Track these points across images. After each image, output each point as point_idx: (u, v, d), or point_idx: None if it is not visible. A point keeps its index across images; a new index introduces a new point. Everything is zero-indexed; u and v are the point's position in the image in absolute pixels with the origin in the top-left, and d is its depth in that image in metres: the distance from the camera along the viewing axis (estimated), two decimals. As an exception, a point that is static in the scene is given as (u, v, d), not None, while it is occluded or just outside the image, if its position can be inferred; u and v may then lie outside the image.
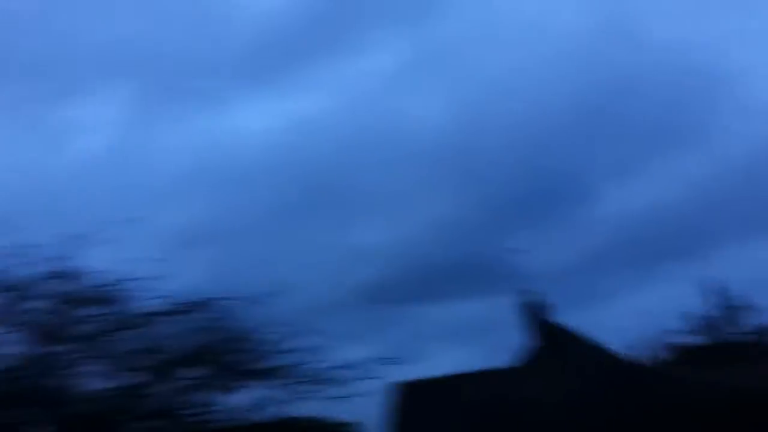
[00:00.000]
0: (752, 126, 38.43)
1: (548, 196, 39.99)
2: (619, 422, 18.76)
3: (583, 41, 40.56)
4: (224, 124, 40.89)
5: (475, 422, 22.99)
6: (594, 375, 20.91)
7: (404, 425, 24.49)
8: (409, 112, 41.67)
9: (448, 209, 40.79)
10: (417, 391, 25.13)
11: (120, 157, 36.15)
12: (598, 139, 42.40)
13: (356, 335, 18.35)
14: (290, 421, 17.79)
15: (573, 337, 24.10)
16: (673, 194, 37.73)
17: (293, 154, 38.53)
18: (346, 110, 42.22)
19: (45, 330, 14.39)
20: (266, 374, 14.86)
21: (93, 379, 14.84)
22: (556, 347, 23.80)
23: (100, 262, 14.05)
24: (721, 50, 41.34)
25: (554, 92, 40.06)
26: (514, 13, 42.94)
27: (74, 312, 14.42)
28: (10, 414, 14.28)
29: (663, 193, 38.59)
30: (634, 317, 27.69)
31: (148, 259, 13.57)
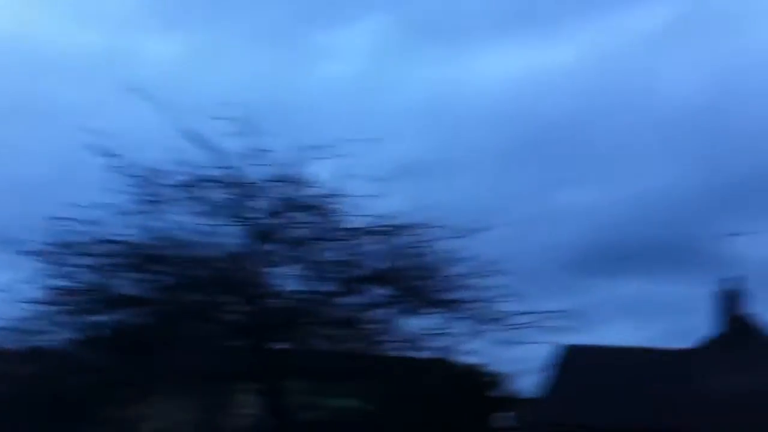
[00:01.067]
0: None
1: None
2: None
3: None
4: (467, 67, 41.40)
5: (631, 397, 22.96)
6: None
7: (562, 387, 24.78)
8: (660, 78, 40.50)
9: (677, 182, 39.81)
10: (582, 356, 25.29)
11: (364, 85, 37.61)
12: None
13: (543, 292, 18.48)
14: (452, 364, 18.45)
15: (761, 331, 23.41)
16: None
17: (527, 105, 38.60)
18: (593, 68, 41.54)
19: (259, 228, 15.50)
20: (447, 305, 15.41)
21: (288, 281, 15.93)
22: (741, 339, 23.22)
23: (323, 174, 14.98)
24: None
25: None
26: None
27: (289, 216, 15.45)
28: (205, 296, 15.61)
29: None
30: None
31: (366, 179, 14.30)
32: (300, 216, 15.45)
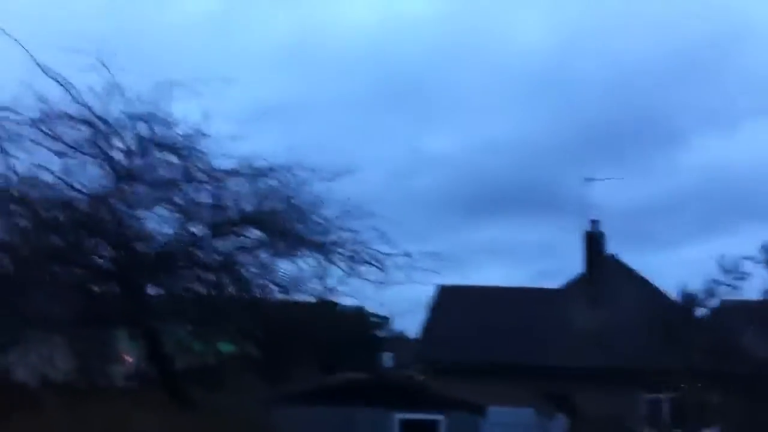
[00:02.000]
0: None
1: (635, 135, 39.81)
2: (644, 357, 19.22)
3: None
4: (330, 11, 40.98)
5: (500, 334, 23.69)
6: (633, 308, 21.33)
7: (435, 324, 25.34)
8: (516, 30, 41.15)
9: (531, 129, 40.92)
10: (455, 296, 25.88)
11: (224, 24, 36.54)
12: (701, 86, 41.69)
13: (415, 236, 18.75)
14: (331, 305, 18.50)
15: (623, 271, 24.52)
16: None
17: (388, 52, 38.70)
18: (452, 15, 41.80)
19: (121, 168, 15.00)
20: (321, 247, 15.41)
21: (158, 223, 15.55)
22: (604, 277, 24.25)
23: (186, 113, 14.54)
24: None
25: (669, 33, 39.18)
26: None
27: (153, 156, 14.99)
28: (68, 240, 15.06)
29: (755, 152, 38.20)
30: (692, 267, 28.21)
31: (229, 120, 14.02)
32: (164, 156, 14.98)
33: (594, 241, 25.04)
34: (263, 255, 15.56)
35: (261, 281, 15.56)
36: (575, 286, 24.84)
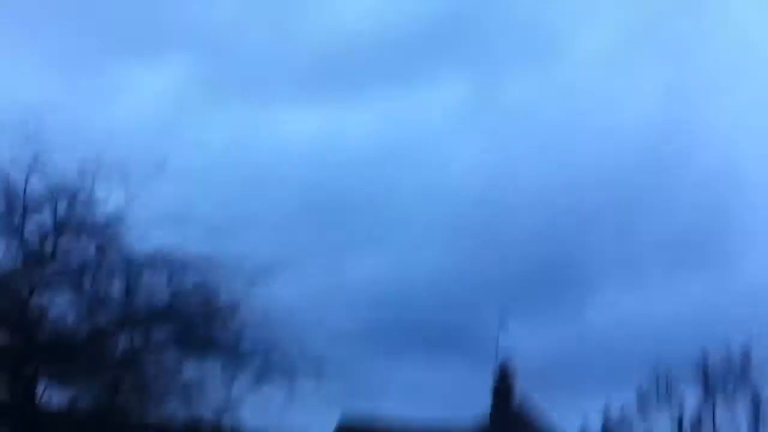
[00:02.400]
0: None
1: (553, 278, 40.32)
2: None
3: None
4: (267, 124, 41.22)
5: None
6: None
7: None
8: (455, 158, 42.03)
9: (453, 264, 41.07)
10: (357, 430, 25.14)
11: (159, 125, 36.45)
12: (612, 236, 42.91)
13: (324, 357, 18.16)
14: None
15: (528, 416, 24.42)
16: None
17: (322, 168, 38.94)
18: (391, 137, 42.57)
19: (32, 247, 14.41)
20: (231, 354, 14.81)
21: (62, 310, 14.79)
22: (509, 421, 24.06)
23: (111, 197, 14.16)
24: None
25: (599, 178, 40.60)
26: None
27: (67, 238, 14.45)
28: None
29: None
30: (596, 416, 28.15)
31: (152, 210, 13.65)
32: (79, 239, 14.44)
33: (503, 383, 24.99)
34: (168, 356, 14.84)
35: (161, 385, 14.74)
36: (482, 427, 24.55)
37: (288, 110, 42.61)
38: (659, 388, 20.29)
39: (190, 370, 14.88)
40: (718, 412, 19.76)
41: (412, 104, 45.34)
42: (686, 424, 19.83)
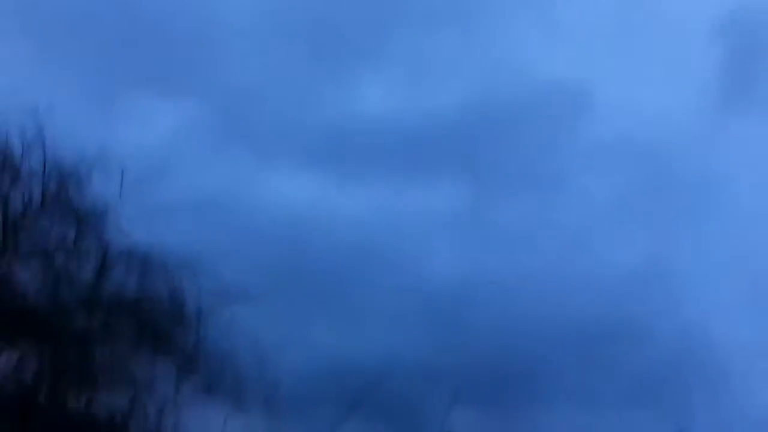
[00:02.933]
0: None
1: (508, 388, 40.51)
2: None
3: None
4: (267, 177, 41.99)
5: None
6: None
7: None
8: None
9: (414, 350, 41.17)
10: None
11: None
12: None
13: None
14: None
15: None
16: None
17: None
18: (377, 226, 43.05)
19: (12, 216, 14.59)
20: (189, 358, 14.83)
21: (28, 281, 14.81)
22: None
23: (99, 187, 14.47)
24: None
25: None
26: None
27: (49, 215, 14.68)
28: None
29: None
30: None
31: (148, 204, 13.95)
32: (61, 220, 14.69)
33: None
34: (123, 347, 14.88)
35: (107, 373, 14.71)
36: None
37: (288, 172, 43.32)
38: None
39: (141, 366, 14.90)
40: None
41: (407, 198, 46.25)
42: None
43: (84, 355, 14.60)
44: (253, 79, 41.72)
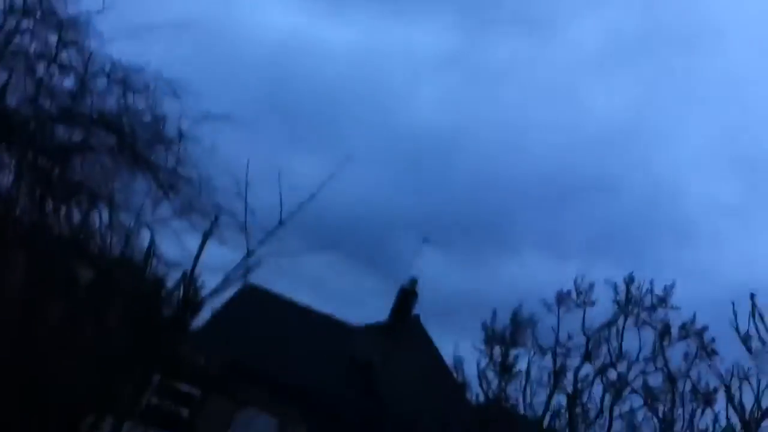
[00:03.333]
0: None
1: (478, 232, 41.40)
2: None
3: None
4: None
5: (282, 348, 23.57)
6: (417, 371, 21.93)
7: (226, 317, 24.88)
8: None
9: (391, 190, 41.73)
10: (256, 296, 25.61)
11: None
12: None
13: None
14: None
15: (424, 335, 25.27)
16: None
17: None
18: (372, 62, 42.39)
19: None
20: (165, 175, 14.79)
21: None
22: (404, 332, 24.90)
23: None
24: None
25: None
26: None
27: (31, 23, 14.27)
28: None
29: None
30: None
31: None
32: (42, 28, 14.26)
33: (406, 298, 25.68)
34: (100, 163, 14.80)
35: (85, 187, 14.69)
36: (375, 330, 25.29)
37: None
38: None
39: (119, 183, 14.90)
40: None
41: (396, 36, 45.38)
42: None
43: (62, 167, 14.56)
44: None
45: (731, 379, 16.11)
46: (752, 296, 15.31)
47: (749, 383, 15.83)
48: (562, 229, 41.80)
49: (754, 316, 15.49)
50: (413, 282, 25.73)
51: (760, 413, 15.76)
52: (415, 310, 25.69)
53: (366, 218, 41.05)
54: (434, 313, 25.87)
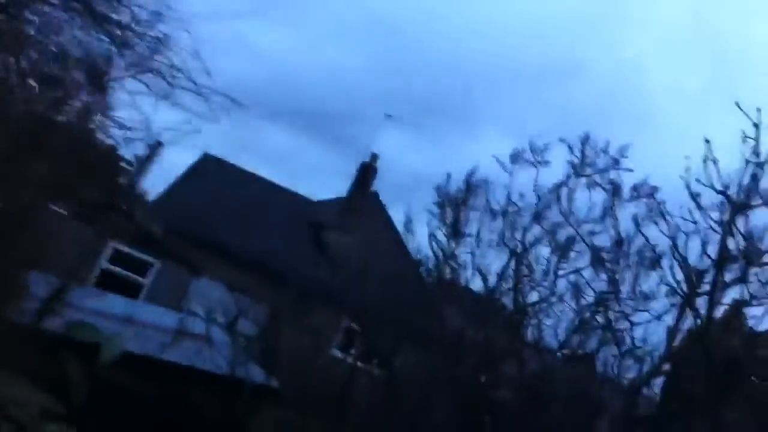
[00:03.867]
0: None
1: (443, 112, 41.11)
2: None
3: None
4: None
5: (240, 219, 23.47)
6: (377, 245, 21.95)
7: (185, 187, 24.64)
8: None
9: (362, 66, 41.00)
10: (214, 165, 25.33)
11: None
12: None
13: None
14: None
15: (380, 209, 25.28)
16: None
17: None
18: None
19: None
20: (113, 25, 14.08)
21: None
22: (363, 207, 24.87)
23: None
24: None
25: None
26: None
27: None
28: None
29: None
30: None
31: None
32: None
33: (365, 173, 25.53)
34: (54, 18, 14.04)
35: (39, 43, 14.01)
36: (333, 204, 25.27)
37: None
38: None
39: (74, 39, 14.19)
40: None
41: None
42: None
43: (13, 22, 13.87)
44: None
45: (677, 234, 15.98)
46: (707, 141, 15.16)
47: (697, 237, 15.72)
48: (524, 113, 41.80)
49: (705, 162, 15.43)
50: (374, 157, 25.50)
51: (703, 270, 15.74)
52: (376, 187, 25.63)
53: (332, 96, 40.57)
54: (394, 189, 25.91)
